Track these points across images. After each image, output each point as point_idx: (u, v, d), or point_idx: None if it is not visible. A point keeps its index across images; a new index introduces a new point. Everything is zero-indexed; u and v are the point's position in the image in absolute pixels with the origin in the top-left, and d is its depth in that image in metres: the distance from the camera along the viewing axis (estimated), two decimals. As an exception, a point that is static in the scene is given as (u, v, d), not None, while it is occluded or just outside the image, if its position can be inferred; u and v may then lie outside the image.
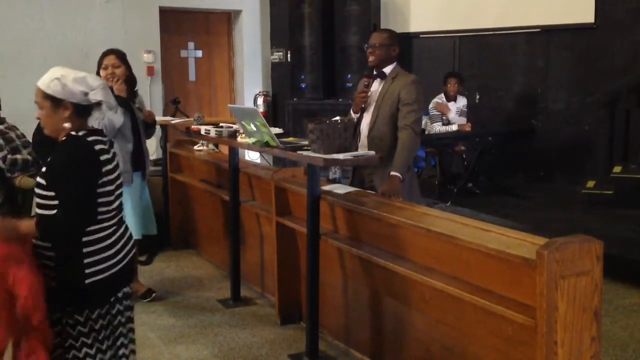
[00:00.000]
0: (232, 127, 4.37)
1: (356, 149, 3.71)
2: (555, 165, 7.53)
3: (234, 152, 4.43)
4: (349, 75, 8.05)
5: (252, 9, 9.04)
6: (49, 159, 2.44)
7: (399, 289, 3.20)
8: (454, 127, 7.13)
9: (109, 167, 2.44)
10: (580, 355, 2.32)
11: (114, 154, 2.52)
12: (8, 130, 5.87)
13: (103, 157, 2.42)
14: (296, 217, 3.97)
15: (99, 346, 2.45)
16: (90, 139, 2.43)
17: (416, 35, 8.48)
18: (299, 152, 3.52)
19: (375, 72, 3.97)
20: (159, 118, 6.47)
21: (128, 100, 4.38)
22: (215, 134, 4.35)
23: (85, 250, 2.39)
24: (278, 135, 3.73)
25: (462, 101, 7.27)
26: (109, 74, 4.33)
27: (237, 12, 9.04)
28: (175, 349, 3.83)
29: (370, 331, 3.52)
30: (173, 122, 5.71)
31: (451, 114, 7.18)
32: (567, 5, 7.25)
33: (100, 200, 2.39)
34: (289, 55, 8.72)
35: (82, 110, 2.46)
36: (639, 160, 6.50)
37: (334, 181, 4.13)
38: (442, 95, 7.18)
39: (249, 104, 8.90)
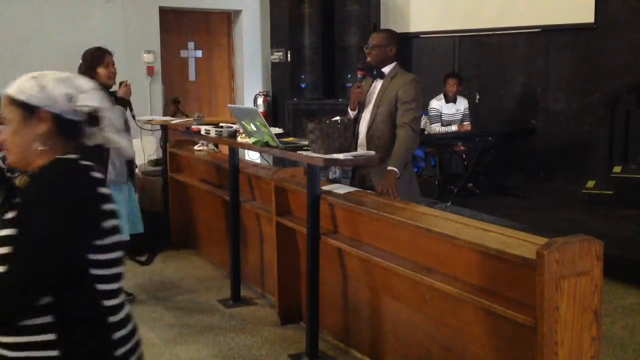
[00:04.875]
0: (232, 127, 4.37)
1: (355, 148, 3.71)
2: (555, 165, 7.53)
3: (234, 152, 4.43)
4: (349, 75, 8.05)
5: (252, 9, 9.04)
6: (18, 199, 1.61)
7: (399, 289, 3.20)
8: (454, 128, 7.13)
9: (114, 222, 1.64)
10: (580, 355, 2.32)
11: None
12: (8, 130, 5.88)
13: (107, 207, 1.62)
14: (296, 217, 3.97)
15: None
16: (93, 174, 1.62)
17: (416, 35, 8.48)
18: (299, 152, 3.53)
19: (374, 72, 3.99)
20: (159, 118, 6.49)
21: (128, 103, 4.39)
22: (215, 134, 4.35)
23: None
24: (278, 135, 3.74)
25: (462, 103, 7.24)
26: (112, 72, 4.29)
27: (237, 12, 9.04)
28: (175, 349, 3.83)
29: (370, 331, 3.51)
30: (173, 122, 5.71)
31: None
32: (567, 5, 7.26)
33: (100, 272, 1.61)
34: (289, 55, 8.71)
35: (68, 126, 1.65)
36: (639, 160, 6.50)
37: (334, 181, 4.13)
38: (442, 95, 7.18)
39: (249, 104, 8.90)
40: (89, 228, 1.57)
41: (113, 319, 1.65)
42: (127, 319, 1.71)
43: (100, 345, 1.63)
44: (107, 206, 1.62)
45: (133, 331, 1.74)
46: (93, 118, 1.68)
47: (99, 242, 1.59)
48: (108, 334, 1.64)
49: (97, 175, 1.62)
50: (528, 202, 6.76)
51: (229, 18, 9.13)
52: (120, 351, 1.66)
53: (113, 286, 1.65)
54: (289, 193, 4.00)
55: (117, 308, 1.67)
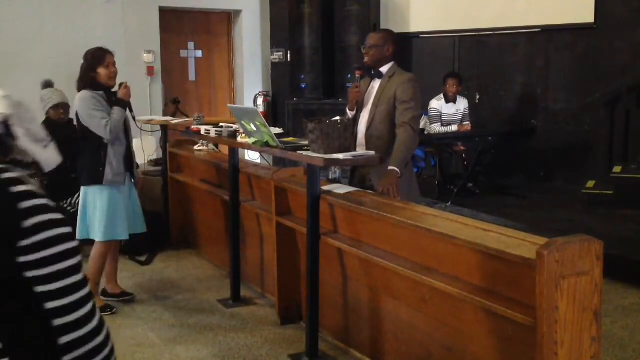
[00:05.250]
0: (232, 127, 4.37)
1: (354, 148, 3.72)
2: (555, 165, 7.53)
3: (234, 152, 4.43)
4: (349, 75, 8.05)
5: (252, 9, 9.04)
6: None
7: (399, 289, 3.20)
8: (454, 128, 7.13)
9: (42, 218, 1.51)
10: (580, 355, 2.32)
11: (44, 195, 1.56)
12: (8, 130, 5.88)
13: (27, 204, 1.50)
14: (296, 217, 3.97)
15: None
16: (3, 175, 1.50)
17: (416, 35, 8.48)
18: (299, 152, 3.53)
19: (372, 72, 4.00)
20: (159, 118, 6.49)
21: (128, 103, 4.39)
22: (215, 134, 4.35)
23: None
24: (278, 135, 3.74)
25: (463, 103, 7.23)
26: (113, 73, 4.29)
27: (237, 12, 9.04)
28: (175, 349, 3.83)
29: (370, 331, 3.51)
30: (173, 122, 5.71)
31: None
32: (567, 5, 7.26)
33: (37, 273, 1.49)
34: (289, 55, 8.72)
35: None
36: (639, 160, 6.50)
37: (334, 181, 4.14)
38: (442, 95, 7.17)
39: (249, 104, 8.90)
40: (4, 231, 1.48)
41: (59, 321, 1.50)
42: (82, 320, 1.55)
43: (42, 352, 1.50)
44: (27, 203, 1.49)
45: (91, 333, 1.58)
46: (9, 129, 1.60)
47: (24, 243, 1.48)
48: (51, 339, 1.50)
49: (10, 175, 1.50)
50: (528, 202, 6.76)
51: (229, 18, 9.13)
52: (68, 357, 1.51)
53: (57, 285, 1.53)
54: (289, 193, 4.00)
55: (67, 309, 1.53)
